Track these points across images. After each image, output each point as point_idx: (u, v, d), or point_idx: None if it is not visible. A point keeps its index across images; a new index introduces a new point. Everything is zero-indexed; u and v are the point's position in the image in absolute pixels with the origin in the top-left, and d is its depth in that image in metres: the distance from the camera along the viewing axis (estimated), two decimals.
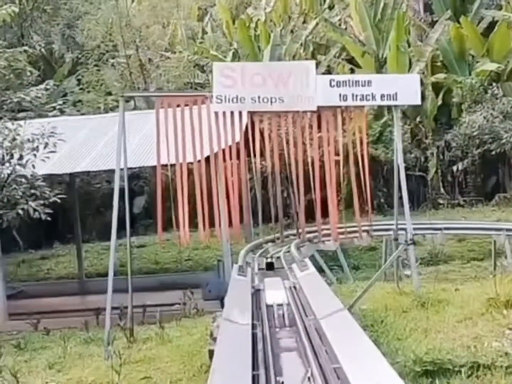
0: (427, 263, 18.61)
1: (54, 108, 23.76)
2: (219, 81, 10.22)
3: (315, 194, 10.64)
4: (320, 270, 16.71)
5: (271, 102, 10.29)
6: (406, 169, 25.43)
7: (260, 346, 6.09)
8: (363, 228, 17.31)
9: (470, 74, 25.81)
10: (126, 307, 15.49)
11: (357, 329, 5.95)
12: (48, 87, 26.41)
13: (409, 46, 26.92)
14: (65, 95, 29.14)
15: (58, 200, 14.11)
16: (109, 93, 28.42)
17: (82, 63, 28.95)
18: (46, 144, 13.58)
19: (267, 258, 12.50)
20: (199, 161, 10.82)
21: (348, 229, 12.80)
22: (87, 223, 24.79)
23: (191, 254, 21.22)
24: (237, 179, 11.13)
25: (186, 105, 10.78)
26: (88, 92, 26.06)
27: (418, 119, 26.38)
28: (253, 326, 6.55)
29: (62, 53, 34.26)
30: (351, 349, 5.69)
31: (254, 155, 11.13)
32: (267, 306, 8.14)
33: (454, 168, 25.75)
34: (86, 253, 22.01)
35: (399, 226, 17.10)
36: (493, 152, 23.56)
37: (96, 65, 27.19)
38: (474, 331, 7.67)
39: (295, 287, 8.97)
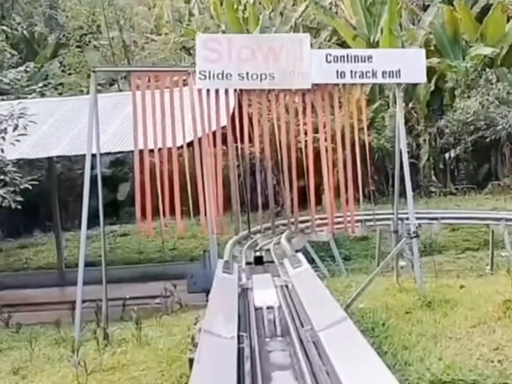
0: (421, 254, 17.52)
1: (34, 90, 22.39)
2: (202, 54, 8.98)
3: (308, 181, 9.48)
4: (311, 261, 15.68)
5: (261, 78, 9.07)
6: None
7: (247, 365, 4.94)
8: (357, 218, 16.30)
9: (463, 59, 24.69)
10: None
11: (364, 345, 4.82)
12: (28, 69, 24.97)
13: (401, 29, 25.73)
14: (47, 78, 27.69)
15: (30, 187, 12.84)
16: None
17: (64, 44, 27.45)
18: (16, 126, 12.26)
19: (255, 251, 11.33)
20: (181, 146, 9.61)
21: (341, 219, 11.63)
22: (68, 210, 23.47)
23: (176, 243, 20.03)
24: (223, 166, 9.96)
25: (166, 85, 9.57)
26: (70, 74, 24.60)
27: (410, 105, 25.24)
28: (239, 339, 5.40)
29: (45, 35, 32.69)
30: (357, 371, 4.56)
31: (242, 141, 9.95)
32: (256, 309, 6.98)
33: (446, 155, 24.71)
34: (67, 242, 20.71)
35: (390, 216, 16.12)
36: (488, 139, 22.50)
37: (78, 47, 25.72)
38: (493, 339, 6.57)
39: (287, 286, 7.81)
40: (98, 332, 9.90)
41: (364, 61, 8.99)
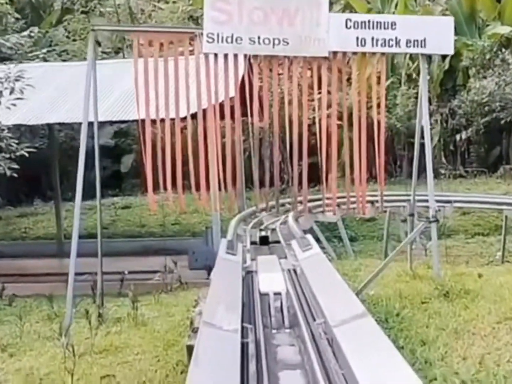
0: (430, 237, 16.84)
1: (38, 56, 21.52)
2: (210, 16, 8.12)
3: (320, 159, 8.70)
4: (317, 242, 14.96)
5: (274, 44, 8.23)
6: (409, 136, 23.62)
7: (252, 363, 4.25)
8: (368, 198, 15.51)
9: (480, 38, 23.60)
10: (104, 274, 13.76)
11: (388, 347, 4.11)
12: (32, 34, 24.05)
13: (416, 4, 24.60)
14: (52, 44, 26.74)
15: (27, 154, 12.10)
16: (98, 43, 26.03)
17: (70, 10, 26.40)
18: (12, 89, 11.47)
19: (261, 230, 10.60)
20: (184, 118, 8.82)
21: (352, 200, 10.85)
22: (70, 180, 22.76)
23: (178, 218, 19.34)
24: (230, 140, 9.17)
25: (171, 43, 8.71)
26: (74, 41, 23.65)
27: None
28: (243, 332, 4.70)
29: (51, 1, 31.60)
30: (379, 377, 3.87)
31: (251, 114, 9.14)
32: (261, 294, 6.28)
33: (457, 137, 23.80)
34: (67, 213, 20.01)
35: (400, 198, 15.34)
36: (502, 121, 21.54)
37: (84, 13, 24.70)
38: None
39: (295, 271, 7.10)
40: (93, 310, 9.31)
41: (387, 28, 8.13)
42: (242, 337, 4.61)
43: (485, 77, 21.54)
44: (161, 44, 8.71)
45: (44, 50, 22.70)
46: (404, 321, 6.95)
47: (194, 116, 9.32)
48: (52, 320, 9.49)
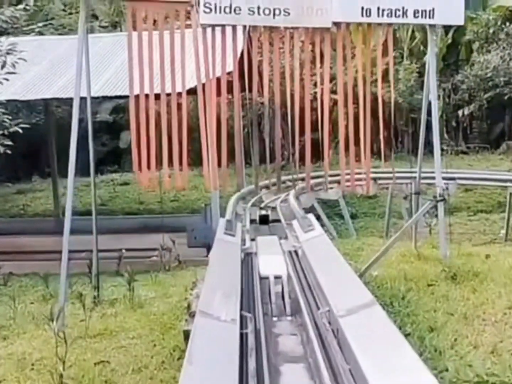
0: (434, 215, 16.47)
1: (33, 30, 20.86)
2: None
3: (322, 133, 8.25)
4: (316, 218, 14.60)
5: (274, 14, 7.71)
6: (411, 111, 23.11)
7: (251, 357, 3.90)
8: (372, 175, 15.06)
9: (484, 11, 22.88)
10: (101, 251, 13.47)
11: (399, 341, 3.76)
12: (27, 7, 23.28)
13: None
14: (48, 18, 26.00)
15: (20, 130, 11.63)
16: (95, 17, 25.31)
17: None
18: (4, 63, 10.95)
19: (260, 208, 10.21)
20: (179, 93, 8.36)
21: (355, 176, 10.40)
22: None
23: (177, 195, 18.94)
24: (228, 116, 8.72)
25: (166, 18, 8.25)
26: (71, 14, 22.94)
27: (424, 58, 23.61)
28: (242, 321, 4.35)
29: None
30: (389, 373, 3.52)
31: (250, 89, 8.67)
32: (261, 278, 5.93)
33: (460, 112, 23.26)
34: (65, 189, 19.64)
35: (403, 175, 14.90)
36: (506, 97, 20.98)
37: None
38: None
39: (296, 252, 6.74)
40: (89, 290, 9.00)
41: None
42: (241, 327, 4.25)
43: (489, 51, 20.93)
44: (155, 21, 8.24)
45: (40, 24, 22.01)
46: (410, 305, 6.61)
47: (190, 92, 8.86)
48: (47, 301, 9.18)
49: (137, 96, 8.46)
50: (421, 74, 23.89)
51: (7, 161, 21.06)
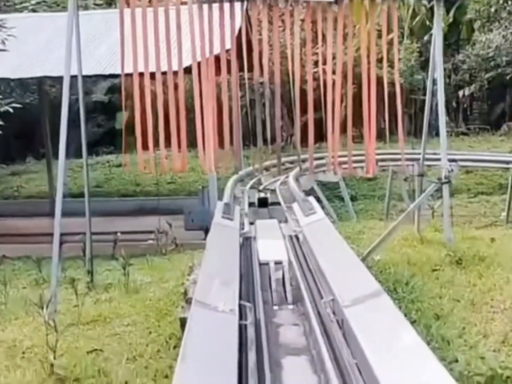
0: (436, 197, 16.22)
1: (26, 8, 20.33)
2: None
3: (325, 114, 7.93)
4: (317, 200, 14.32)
5: None
6: (410, 91, 22.70)
7: (251, 351, 3.64)
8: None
9: None
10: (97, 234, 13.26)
11: (410, 333, 3.50)
12: None
13: None
14: None
15: (11, 110, 11.27)
16: None
17: None
18: None
19: (259, 191, 9.91)
20: (176, 72, 8.01)
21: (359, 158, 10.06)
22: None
23: (174, 176, 18.62)
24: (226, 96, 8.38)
25: None
26: None
27: (425, 37, 23.16)
28: (241, 312, 4.08)
29: None
30: (399, 368, 3.27)
31: (249, 68, 8.32)
32: (261, 264, 5.66)
33: (460, 93, 22.88)
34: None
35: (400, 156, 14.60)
36: (507, 77, 20.61)
37: None
38: None
39: (297, 237, 6.46)
40: (83, 274, 8.75)
41: None
42: (240, 318, 3.99)
43: (491, 30, 20.49)
44: None
45: (33, 2, 21.48)
46: (414, 290, 6.36)
47: (186, 71, 8.50)
48: (40, 285, 8.94)
49: (130, 75, 8.12)
50: (421, 53, 23.51)
51: (0, 143, 20.74)
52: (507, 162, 14.75)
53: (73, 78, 12.72)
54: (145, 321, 6.71)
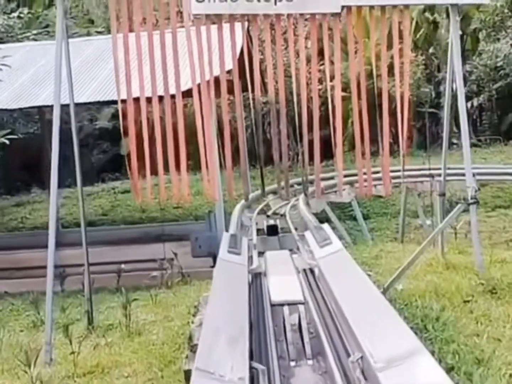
0: (447, 211, 15.42)
1: (28, 38, 19.99)
2: None
3: (334, 133, 7.24)
4: (326, 221, 13.56)
5: (275, 0, 6.70)
6: (417, 104, 22.01)
7: None
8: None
9: None
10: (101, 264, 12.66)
11: None
12: (21, 15, 22.48)
13: None
14: (46, 26, 25.09)
15: (7, 142, 10.68)
16: (91, 21, 24.41)
17: None
18: None
19: (268, 216, 9.19)
20: (173, 96, 7.39)
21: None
22: (69, 165, 21.44)
23: (180, 201, 17.90)
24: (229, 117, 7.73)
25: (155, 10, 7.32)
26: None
27: (430, 50, 22.57)
28: (252, 376, 3.34)
29: None
30: None
31: (252, 88, 7.71)
32: (273, 305, 4.92)
33: (469, 104, 22.12)
34: (65, 200, 18.71)
35: (419, 173, 13.84)
36: None
37: None
38: None
39: (312, 272, 5.72)
40: (83, 313, 8.04)
41: None
42: None
43: (498, 40, 19.81)
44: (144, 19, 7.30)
45: (35, 32, 21.17)
46: (446, 327, 5.58)
47: (185, 95, 7.87)
48: (38, 328, 8.23)
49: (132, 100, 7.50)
50: (426, 66, 22.87)
51: (5, 172, 20.19)
52: None
53: (77, 106, 12.10)
54: (147, 370, 5.97)
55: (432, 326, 5.61)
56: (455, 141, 21.38)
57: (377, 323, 3.88)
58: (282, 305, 4.79)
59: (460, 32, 21.45)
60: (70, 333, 6.28)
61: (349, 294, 4.59)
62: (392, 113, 7.56)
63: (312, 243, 6.19)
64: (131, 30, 7.23)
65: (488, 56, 19.94)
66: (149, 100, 7.39)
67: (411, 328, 4.94)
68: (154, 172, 7.72)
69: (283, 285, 5.36)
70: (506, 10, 21.07)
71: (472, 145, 21.85)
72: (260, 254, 6.73)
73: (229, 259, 5.70)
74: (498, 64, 19.74)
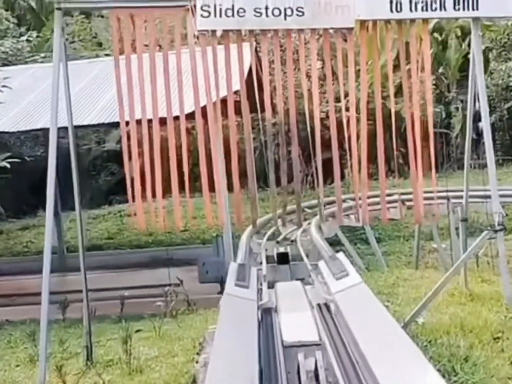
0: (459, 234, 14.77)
1: (36, 61, 19.85)
2: None
3: (350, 153, 6.75)
4: (337, 243, 13.01)
5: (285, 15, 6.26)
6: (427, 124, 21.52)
7: None
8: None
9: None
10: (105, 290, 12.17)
11: None
12: (30, 38, 22.44)
13: None
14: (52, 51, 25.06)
15: (8, 165, 10.31)
16: (99, 45, 24.27)
17: (69, 12, 24.62)
18: None
19: (277, 242, 8.65)
20: (176, 117, 6.95)
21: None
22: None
23: (188, 224, 17.41)
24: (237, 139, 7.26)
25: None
26: (72, 42, 21.83)
27: (440, 70, 22.14)
28: None
29: (52, 6, 29.90)
30: None
31: (262, 109, 7.23)
32: (285, 347, 4.38)
33: (480, 124, 21.61)
34: (71, 223, 18.25)
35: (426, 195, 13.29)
36: None
37: (83, 13, 22.90)
38: None
39: (327, 307, 5.16)
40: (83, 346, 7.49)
41: None
42: None
43: (509, 59, 19.34)
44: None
45: (43, 55, 21.09)
46: (477, 369, 4.98)
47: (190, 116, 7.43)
48: (35, 363, 7.68)
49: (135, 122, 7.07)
50: (437, 86, 22.40)
51: (13, 195, 19.82)
52: None
53: (78, 128, 11.65)
54: None
55: (460, 368, 5.02)
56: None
57: (401, 366, 3.34)
58: (296, 346, 4.26)
59: (466, 51, 21.21)
60: (64, 372, 5.72)
61: (369, 333, 4.05)
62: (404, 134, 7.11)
63: (327, 275, 5.64)
64: (134, 51, 6.81)
65: (500, 76, 19.46)
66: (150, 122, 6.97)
67: (438, 370, 4.40)
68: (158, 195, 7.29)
69: (296, 323, 4.82)
70: None
71: (484, 165, 21.35)
72: (271, 284, 6.20)
73: (237, 294, 5.16)
74: (510, 84, 19.24)
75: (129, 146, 6.67)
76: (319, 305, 5.24)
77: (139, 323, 9.02)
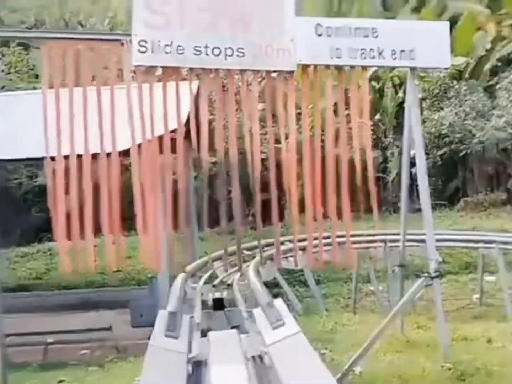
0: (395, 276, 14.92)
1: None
2: (142, 18, 5.97)
3: (289, 194, 6.62)
4: (274, 286, 12.79)
5: (226, 55, 6.14)
6: (365, 169, 22.00)
7: None
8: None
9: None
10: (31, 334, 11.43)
11: None
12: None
13: None
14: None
15: None
16: (37, 77, 23.49)
17: (6, 42, 23.84)
18: None
19: (214, 286, 8.28)
20: (108, 154, 6.63)
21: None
22: (3, 225, 19.79)
23: (122, 264, 16.72)
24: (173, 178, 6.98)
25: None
26: (8, 73, 21.05)
27: (377, 116, 22.86)
28: None
29: None
30: None
31: (198, 148, 7.01)
32: None
33: (413, 170, 22.32)
34: (9, 261, 17.20)
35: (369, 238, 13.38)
36: (462, 153, 20.18)
37: (21, 44, 22.19)
38: None
39: (261, 359, 4.84)
40: None
41: (367, 35, 6.20)
42: None
43: (441, 108, 20.21)
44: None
45: None
46: None
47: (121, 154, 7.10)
48: None
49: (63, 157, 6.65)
50: (374, 132, 23.09)
51: None
52: (476, 241, 13.66)
53: (16, 162, 10.91)
54: None
55: None
56: (399, 205, 21.31)
57: None
58: None
59: (400, 101, 22.09)
60: None
61: None
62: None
63: (262, 323, 5.32)
64: (63, 86, 6.48)
65: (433, 124, 20.24)
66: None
67: None
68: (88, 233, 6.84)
69: (228, 377, 4.46)
70: (448, 81, 21.73)
71: (417, 210, 21.94)
72: (205, 332, 5.82)
73: (164, 346, 4.74)
74: (443, 132, 20.04)
75: (54, 182, 6.26)
76: (253, 357, 4.91)
77: (62, 371, 8.39)
